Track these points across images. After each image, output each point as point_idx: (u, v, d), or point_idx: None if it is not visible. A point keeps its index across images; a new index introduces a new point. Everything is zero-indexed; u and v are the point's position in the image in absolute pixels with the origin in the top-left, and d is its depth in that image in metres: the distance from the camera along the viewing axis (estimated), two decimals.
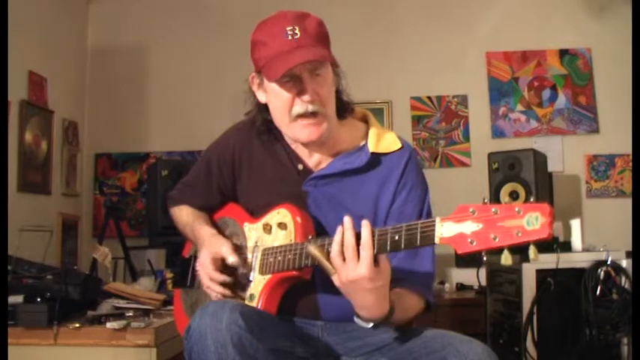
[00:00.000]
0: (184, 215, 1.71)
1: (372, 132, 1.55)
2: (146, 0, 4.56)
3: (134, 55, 4.50)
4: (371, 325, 1.31)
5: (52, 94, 3.95)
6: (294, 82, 1.43)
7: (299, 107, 1.44)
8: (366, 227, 1.25)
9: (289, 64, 1.38)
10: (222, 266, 1.49)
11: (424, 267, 1.47)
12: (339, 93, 1.55)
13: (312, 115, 1.45)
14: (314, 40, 1.42)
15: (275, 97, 1.48)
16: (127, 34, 4.52)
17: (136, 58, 4.50)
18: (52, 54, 4.01)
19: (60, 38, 4.15)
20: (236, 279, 1.51)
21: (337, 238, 1.27)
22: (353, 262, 1.24)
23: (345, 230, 1.26)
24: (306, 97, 1.43)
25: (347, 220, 1.27)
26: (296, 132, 1.48)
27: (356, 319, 1.32)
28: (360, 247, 1.24)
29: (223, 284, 1.48)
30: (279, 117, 1.50)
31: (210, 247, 1.51)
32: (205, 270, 1.49)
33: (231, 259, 1.47)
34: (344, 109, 1.56)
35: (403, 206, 1.50)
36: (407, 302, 1.41)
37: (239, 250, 1.54)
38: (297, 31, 1.41)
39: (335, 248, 1.27)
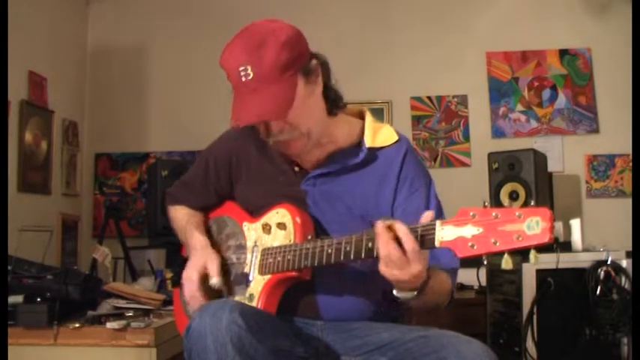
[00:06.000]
0: (180, 216, 1.71)
1: (368, 127, 1.53)
2: (146, 0, 4.55)
3: (134, 55, 4.49)
4: (415, 293, 1.27)
5: (52, 94, 3.94)
6: None
7: (271, 138, 1.44)
8: (401, 226, 1.22)
9: (235, 121, 1.37)
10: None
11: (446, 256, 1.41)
12: (326, 90, 1.49)
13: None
14: (268, 79, 1.33)
15: None
16: (127, 35, 4.51)
17: (136, 58, 4.49)
18: (52, 54, 4.01)
19: (60, 38, 4.14)
20: (235, 278, 1.51)
21: (382, 253, 1.23)
22: (407, 266, 1.22)
23: (386, 244, 1.23)
24: (271, 138, 1.43)
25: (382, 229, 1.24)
26: (278, 148, 1.49)
27: (396, 293, 1.29)
28: (404, 244, 1.21)
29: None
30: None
31: (199, 260, 1.50)
32: (191, 286, 1.48)
33: (214, 280, 1.46)
34: (333, 105, 1.52)
35: (407, 201, 1.49)
36: (439, 277, 1.39)
37: (238, 250, 1.54)
38: (249, 72, 1.33)
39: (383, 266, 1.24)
